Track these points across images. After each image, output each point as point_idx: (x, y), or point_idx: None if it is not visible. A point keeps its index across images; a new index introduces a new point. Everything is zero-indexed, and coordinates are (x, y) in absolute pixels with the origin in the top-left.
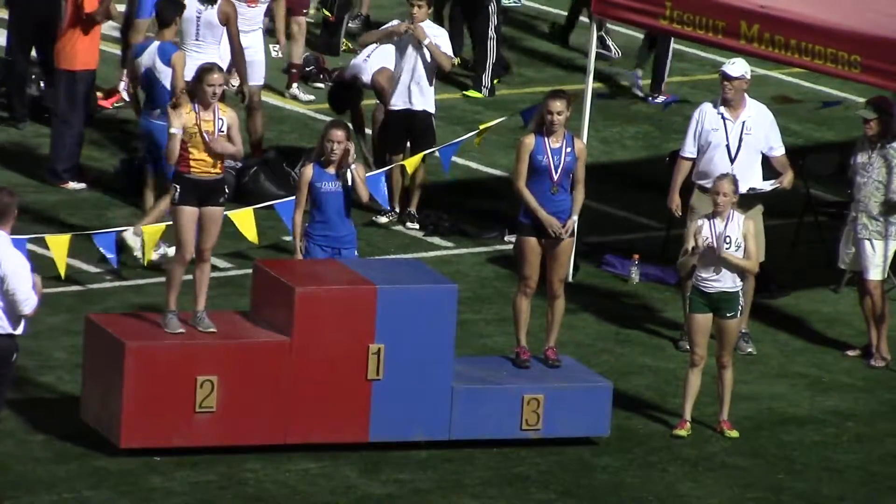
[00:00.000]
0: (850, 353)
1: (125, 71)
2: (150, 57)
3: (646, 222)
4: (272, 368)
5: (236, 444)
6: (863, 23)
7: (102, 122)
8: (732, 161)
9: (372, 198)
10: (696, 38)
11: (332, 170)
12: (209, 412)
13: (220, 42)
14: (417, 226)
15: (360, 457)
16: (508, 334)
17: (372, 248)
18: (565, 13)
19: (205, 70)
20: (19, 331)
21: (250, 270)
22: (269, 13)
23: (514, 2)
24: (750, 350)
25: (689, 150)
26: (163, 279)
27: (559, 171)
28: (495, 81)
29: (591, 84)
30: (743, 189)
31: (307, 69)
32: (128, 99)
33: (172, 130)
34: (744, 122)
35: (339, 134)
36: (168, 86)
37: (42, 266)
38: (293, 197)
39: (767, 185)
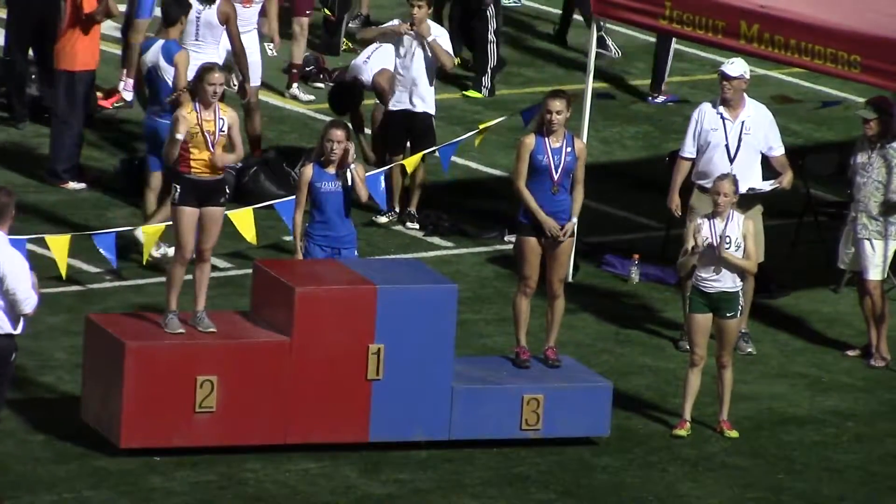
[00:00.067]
0: (850, 353)
1: (125, 71)
2: (154, 55)
3: (646, 222)
4: (272, 368)
5: (236, 444)
6: (863, 23)
7: (102, 122)
8: (732, 161)
9: (371, 198)
10: (696, 38)
11: (331, 170)
12: (209, 412)
13: (220, 42)
14: (417, 226)
15: (360, 457)
16: (508, 334)
17: (372, 248)
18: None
19: (205, 69)
20: (18, 330)
21: (250, 270)
22: (264, 12)
23: (514, 2)
24: (750, 350)
25: (689, 150)
26: (163, 279)
27: (559, 170)
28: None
29: (591, 84)
30: (742, 189)
31: (307, 69)
32: (128, 99)
33: (178, 136)
34: (743, 122)
35: (338, 134)
36: (171, 84)
37: (42, 266)
38: (293, 197)
39: (767, 185)
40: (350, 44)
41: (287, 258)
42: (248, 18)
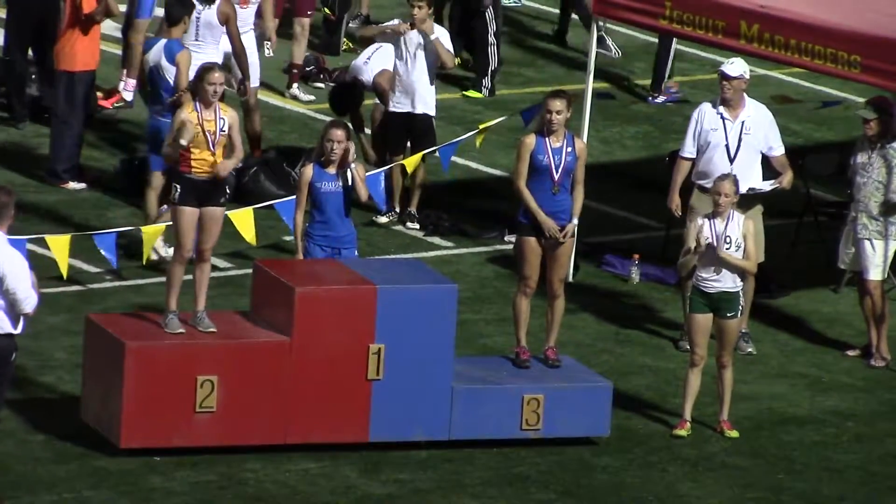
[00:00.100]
0: (850, 353)
1: (125, 71)
2: (156, 54)
3: (646, 222)
4: (272, 368)
5: (236, 444)
6: (863, 23)
7: (102, 122)
8: (732, 161)
9: (370, 198)
10: (696, 38)
11: (332, 170)
12: (209, 412)
13: (220, 42)
14: (417, 226)
15: (360, 457)
16: (508, 334)
17: (372, 248)
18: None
19: (206, 69)
20: (18, 330)
21: (250, 270)
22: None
23: (514, 2)
24: (750, 350)
25: (689, 150)
26: (163, 279)
27: (560, 170)
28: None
29: (591, 84)
30: (742, 189)
31: (307, 69)
32: (128, 99)
33: (182, 142)
34: (743, 122)
35: (338, 134)
36: (172, 84)
37: (43, 266)
38: (293, 197)
39: (767, 185)
40: (350, 44)
41: (287, 258)
42: (244, 19)
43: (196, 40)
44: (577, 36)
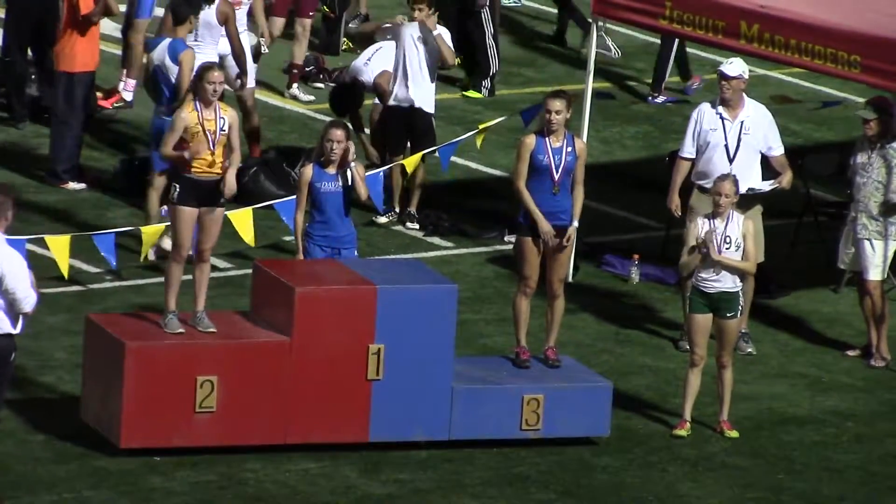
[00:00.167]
0: (850, 353)
1: (125, 71)
2: (160, 53)
3: (646, 222)
4: (272, 368)
5: (236, 444)
6: (863, 23)
7: (102, 122)
8: (731, 161)
9: (370, 198)
10: (696, 38)
11: (331, 170)
12: (209, 412)
13: (218, 42)
14: (417, 226)
15: (360, 457)
16: (508, 334)
17: (372, 248)
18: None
19: (205, 68)
20: (18, 330)
21: (250, 270)
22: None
23: (514, 2)
24: (750, 350)
25: (688, 150)
26: (163, 279)
27: (560, 170)
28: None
29: (590, 84)
30: (742, 189)
31: (307, 69)
32: (128, 99)
33: (186, 155)
34: (742, 122)
35: (338, 134)
36: (174, 82)
37: (43, 266)
38: (293, 197)
39: (766, 186)
40: (350, 43)
41: (287, 258)
42: (239, 19)
43: (195, 40)
44: (576, 36)
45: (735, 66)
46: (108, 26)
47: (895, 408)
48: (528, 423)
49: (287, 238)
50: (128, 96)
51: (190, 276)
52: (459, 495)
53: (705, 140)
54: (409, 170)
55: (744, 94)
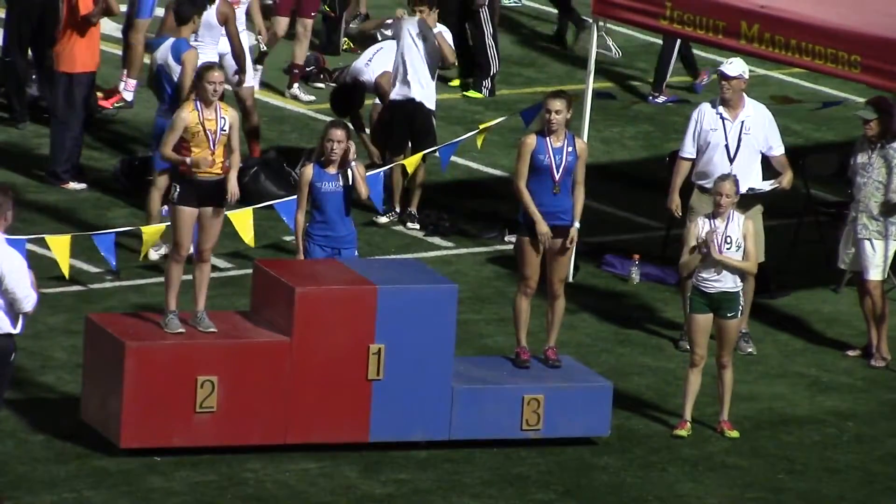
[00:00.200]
0: (850, 353)
1: (125, 71)
2: (163, 53)
3: (646, 222)
4: (272, 368)
5: (236, 444)
6: (863, 23)
7: (102, 122)
8: (731, 161)
9: (369, 198)
10: (696, 38)
11: (332, 169)
12: (209, 412)
13: (218, 43)
14: (417, 226)
15: (360, 457)
16: (508, 334)
17: (372, 248)
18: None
19: (205, 68)
20: (18, 329)
21: (250, 270)
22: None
23: (514, 2)
24: (750, 350)
25: (688, 150)
26: (163, 279)
27: (560, 170)
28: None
29: (591, 84)
30: (742, 189)
31: (307, 69)
32: (128, 99)
33: (187, 161)
34: (742, 122)
35: (338, 134)
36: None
37: (43, 266)
38: (293, 197)
39: (767, 185)
40: (351, 43)
41: (287, 258)
42: (238, 18)
43: (195, 41)
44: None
45: (735, 66)
46: (109, 26)
47: (895, 408)
48: (528, 423)
49: (287, 238)
50: (128, 96)
51: (190, 276)
52: (459, 495)
53: (706, 140)
54: (410, 170)
55: (744, 94)
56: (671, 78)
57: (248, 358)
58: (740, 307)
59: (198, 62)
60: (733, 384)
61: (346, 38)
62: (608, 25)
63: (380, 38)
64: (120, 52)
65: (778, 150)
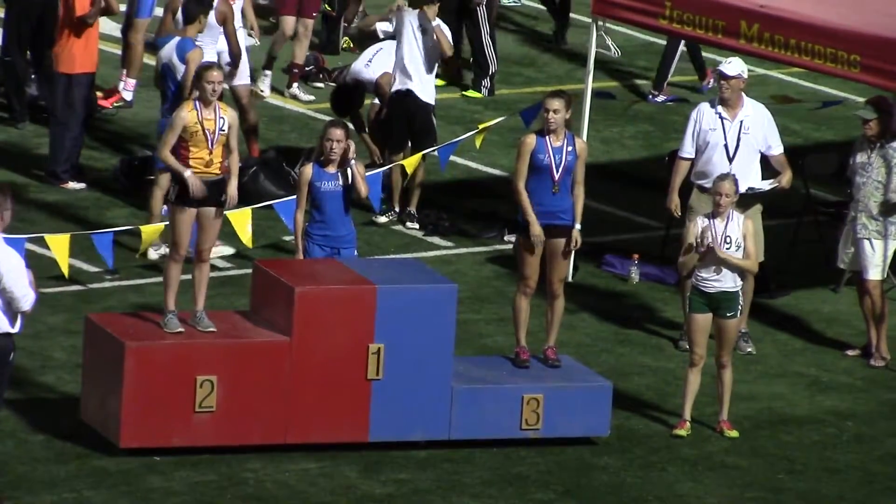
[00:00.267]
0: (850, 353)
1: (125, 71)
2: (168, 52)
3: (645, 222)
4: (272, 368)
5: (236, 444)
6: (863, 23)
7: (102, 122)
8: (731, 161)
9: (368, 197)
10: (696, 38)
11: (331, 169)
12: (209, 412)
13: (217, 42)
14: (417, 225)
15: (360, 457)
16: (508, 334)
17: (372, 248)
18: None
19: (204, 68)
20: (16, 329)
21: (250, 270)
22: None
23: (514, 1)
24: (750, 350)
25: (688, 150)
26: (162, 279)
27: (560, 170)
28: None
29: (590, 84)
30: (742, 189)
31: (307, 69)
32: (128, 99)
33: (186, 174)
34: (742, 122)
35: (338, 133)
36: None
37: (43, 266)
38: (293, 197)
39: (766, 185)
40: (351, 43)
41: (287, 258)
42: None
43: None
44: (577, 36)
45: (734, 66)
46: (108, 26)
47: (895, 408)
48: (527, 422)
49: (287, 238)
50: (128, 96)
51: (190, 276)
52: (459, 495)
53: (705, 140)
54: (409, 171)
55: (743, 94)
56: (674, 77)
57: (248, 358)
58: (739, 307)
59: (201, 61)
60: (733, 384)
61: (345, 38)
62: (608, 25)
63: (381, 37)
64: (119, 52)
65: (777, 149)
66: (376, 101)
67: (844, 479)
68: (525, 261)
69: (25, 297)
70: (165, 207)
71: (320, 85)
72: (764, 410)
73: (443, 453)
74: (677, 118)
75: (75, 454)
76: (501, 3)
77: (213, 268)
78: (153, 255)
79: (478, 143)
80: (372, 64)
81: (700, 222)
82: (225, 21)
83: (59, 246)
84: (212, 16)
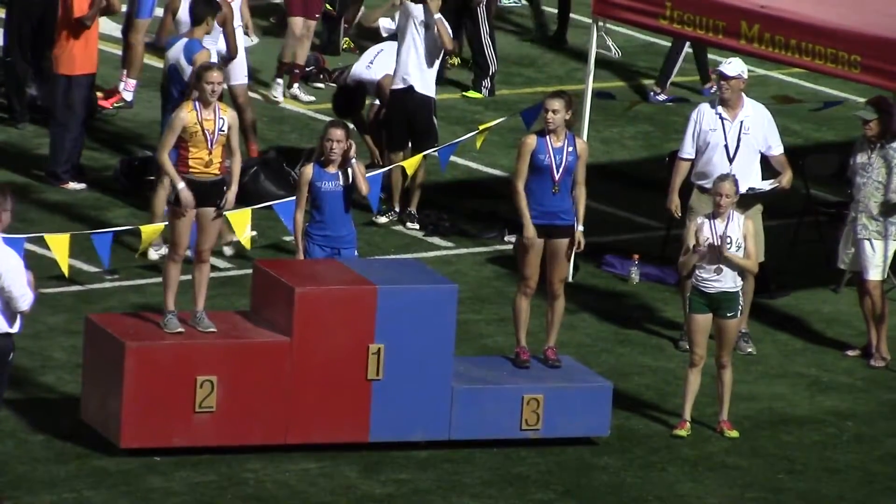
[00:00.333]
0: (850, 353)
1: (125, 71)
2: (175, 53)
3: (646, 222)
4: (272, 368)
5: (236, 444)
6: (863, 23)
7: (102, 123)
8: (731, 161)
9: (367, 197)
10: (696, 38)
11: (332, 169)
12: (209, 412)
13: (217, 43)
14: (417, 226)
15: (360, 457)
16: (508, 334)
17: (372, 248)
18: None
19: (204, 69)
20: (15, 329)
21: (250, 270)
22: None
23: (514, 1)
24: (750, 350)
25: (688, 150)
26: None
27: (560, 170)
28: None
29: (590, 84)
30: (742, 189)
31: (307, 69)
32: (128, 99)
33: (179, 185)
34: (742, 122)
35: (338, 133)
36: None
37: (43, 266)
38: (293, 197)
39: (766, 185)
40: (351, 43)
41: (287, 258)
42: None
43: None
44: (578, 36)
45: (734, 66)
46: (108, 26)
47: (895, 408)
48: (528, 423)
49: (287, 238)
50: (128, 96)
51: (190, 277)
52: (459, 495)
53: (705, 140)
54: (410, 172)
55: (743, 94)
56: (677, 77)
57: (248, 358)
58: (740, 307)
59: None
60: (733, 384)
61: (346, 39)
62: (608, 25)
63: (384, 35)
64: (120, 52)
65: (777, 149)
66: (377, 101)
67: (844, 479)
68: (525, 261)
69: (24, 297)
70: (167, 208)
71: (321, 85)
72: (764, 411)
73: (443, 453)
74: (677, 119)
75: (75, 454)
76: (501, 3)
77: (214, 268)
78: (153, 255)
79: (478, 143)
80: (373, 65)
81: (700, 223)
82: (225, 22)
83: (59, 246)
84: None
